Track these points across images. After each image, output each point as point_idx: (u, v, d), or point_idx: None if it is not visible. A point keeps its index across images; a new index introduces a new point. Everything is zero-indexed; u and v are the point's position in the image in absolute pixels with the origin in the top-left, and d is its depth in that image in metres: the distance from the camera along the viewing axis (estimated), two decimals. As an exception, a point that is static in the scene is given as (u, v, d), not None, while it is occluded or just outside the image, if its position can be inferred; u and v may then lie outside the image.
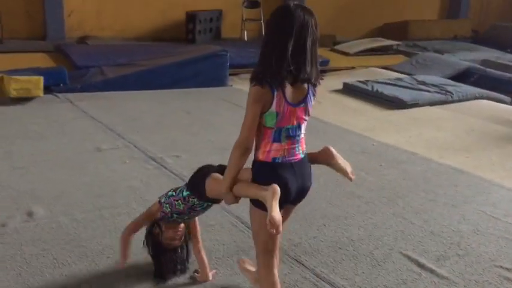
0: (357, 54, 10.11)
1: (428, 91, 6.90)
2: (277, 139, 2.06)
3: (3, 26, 8.94)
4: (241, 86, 7.38)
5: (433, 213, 3.59)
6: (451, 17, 14.17)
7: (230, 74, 7.48)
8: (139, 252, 2.62)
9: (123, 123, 5.16)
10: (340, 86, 7.38)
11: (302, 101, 2.07)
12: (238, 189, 2.10)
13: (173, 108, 5.87)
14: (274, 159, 2.07)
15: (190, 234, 2.60)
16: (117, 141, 4.61)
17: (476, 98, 7.06)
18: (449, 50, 10.71)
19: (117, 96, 6.16)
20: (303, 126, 2.12)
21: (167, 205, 2.45)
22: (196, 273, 2.66)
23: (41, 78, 5.66)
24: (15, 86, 5.46)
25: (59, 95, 6.00)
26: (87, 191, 3.57)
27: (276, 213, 1.91)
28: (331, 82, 7.91)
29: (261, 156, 2.08)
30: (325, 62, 9.19)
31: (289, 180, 2.06)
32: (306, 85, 2.07)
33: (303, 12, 2.01)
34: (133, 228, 2.56)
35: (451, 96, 6.82)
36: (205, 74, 6.97)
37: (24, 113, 5.31)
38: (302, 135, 2.15)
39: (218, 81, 7.11)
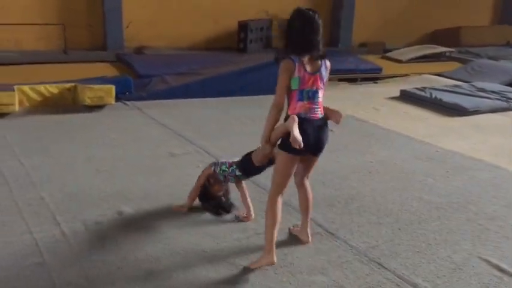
0: (410, 61, 10.07)
1: (489, 98, 6.83)
2: (300, 98, 2.81)
3: (67, 38, 9.44)
4: (297, 94, 7.51)
5: (507, 219, 3.59)
6: (503, 22, 13.89)
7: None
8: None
9: (191, 130, 5.37)
10: (397, 93, 7.40)
11: (317, 71, 2.83)
12: (272, 137, 2.88)
13: (236, 116, 6.06)
14: (299, 113, 2.79)
15: (237, 184, 3.45)
16: (188, 147, 4.82)
17: (537, 105, 6.93)
18: (504, 56, 10.52)
19: (181, 104, 6.41)
20: (320, 92, 2.87)
21: (221, 176, 3.37)
22: (239, 216, 3.42)
23: (113, 87, 5.96)
24: (89, 94, 5.78)
25: (128, 102, 6.30)
26: (169, 193, 3.77)
27: (297, 133, 2.67)
28: (387, 89, 7.95)
29: (290, 112, 2.82)
30: (378, 70, 9.21)
31: (308, 130, 2.78)
32: (319, 60, 2.84)
33: (311, 12, 2.83)
34: (195, 192, 3.45)
35: (513, 103, 6.73)
36: (263, 82, 7.11)
37: (99, 120, 5.61)
38: (320, 100, 2.87)
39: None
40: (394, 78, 9.06)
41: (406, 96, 7.19)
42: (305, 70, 2.78)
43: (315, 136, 2.82)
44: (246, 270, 2.85)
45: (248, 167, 3.25)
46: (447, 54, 10.84)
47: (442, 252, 3.13)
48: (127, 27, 10.10)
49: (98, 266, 2.80)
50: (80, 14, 9.85)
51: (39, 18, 9.47)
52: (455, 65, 9.98)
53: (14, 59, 8.65)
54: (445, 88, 7.38)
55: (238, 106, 6.48)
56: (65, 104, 6.07)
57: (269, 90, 7.72)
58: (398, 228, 3.42)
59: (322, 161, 4.58)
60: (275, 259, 2.85)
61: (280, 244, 3.11)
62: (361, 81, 8.92)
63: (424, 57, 10.32)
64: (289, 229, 3.26)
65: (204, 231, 3.24)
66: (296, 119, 2.71)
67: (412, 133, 5.66)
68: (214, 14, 10.98)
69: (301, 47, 2.78)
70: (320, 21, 2.80)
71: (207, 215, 3.44)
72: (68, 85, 6.14)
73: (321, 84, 2.84)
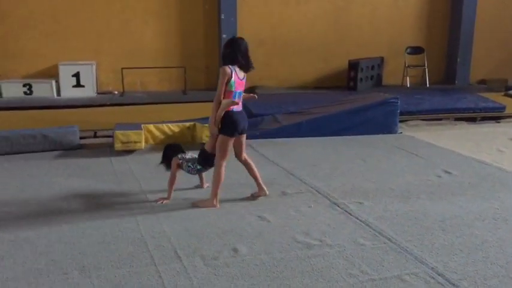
0: (537, 98, 9.29)
1: None
2: (234, 98, 4.16)
3: (186, 79, 10.14)
4: (411, 133, 7.27)
5: None
6: None
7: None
8: None
9: (303, 169, 5.41)
10: (523, 134, 6.85)
11: (243, 78, 4.25)
12: (217, 120, 4.16)
13: (348, 155, 6.00)
14: (232, 109, 4.17)
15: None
16: (301, 186, 4.85)
17: None
18: None
19: (293, 143, 6.51)
20: (242, 92, 4.27)
21: (186, 168, 4.48)
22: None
23: (228, 126, 6.23)
24: (207, 133, 6.04)
25: (241, 141, 6.54)
26: (283, 232, 3.82)
27: (229, 101, 4.14)
28: (511, 130, 7.40)
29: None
30: (501, 108, 8.60)
31: (239, 119, 4.21)
32: (244, 72, 4.27)
33: (241, 39, 4.27)
34: (172, 182, 4.46)
35: None
36: (375, 121, 7.02)
37: (215, 157, 5.87)
38: (241, 98, 4.28)
39: (387, 128, 7.10)
40: (519, 118, 8.40)
41: (534, 137, 6.62)
42: (238, 77, 4.16)
43: (242, 122, 4.23)
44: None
45: (204, 156, 4.35)
46: None
47: None
48: (241, 68, 10.59)
49: (215, 302, 2.89)
50: (199, 57, 10.58)
51: (163, 62, 10.34)
52: None
53: (140, 99, 9.48)
54: None
55: (348, 145, 6.42)
56: (184, 141, 6.45)
57: (381, 129, 7.65)
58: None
59: (441, 205, 4.39)
60: (218, 206, 4.23)
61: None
62: (480, 120, 8.39)
63: (554, 94, 9.47)
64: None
65: (318, 273, 3.21)
66: (228, 100, 4.09)
67: (543, 178, 5.17)
68: (323, 53, 11.14)
69: (233, 61, 4.13)
70: (246, 45, 4.22)
71: (321, 258, 3.41)
72: (187, 124, 6.55)
73: (243, 88, 4.25)
